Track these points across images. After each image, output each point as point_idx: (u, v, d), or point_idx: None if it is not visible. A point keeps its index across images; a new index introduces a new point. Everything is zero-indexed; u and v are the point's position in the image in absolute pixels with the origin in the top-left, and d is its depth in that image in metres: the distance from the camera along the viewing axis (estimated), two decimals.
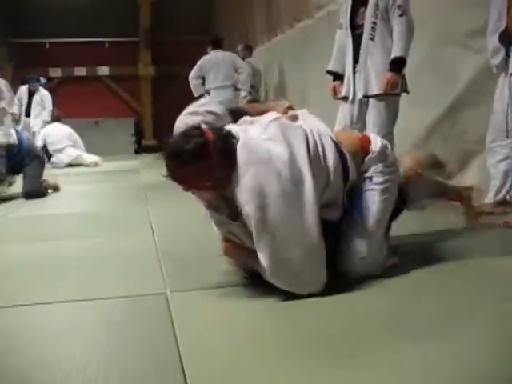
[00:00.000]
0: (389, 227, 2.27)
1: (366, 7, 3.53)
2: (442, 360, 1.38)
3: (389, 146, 2.26)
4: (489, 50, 3.19)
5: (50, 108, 9.13)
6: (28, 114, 9.15)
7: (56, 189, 5.31)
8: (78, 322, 1.82)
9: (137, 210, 4.09)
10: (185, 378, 1.35)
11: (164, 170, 1.95)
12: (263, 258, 1.87)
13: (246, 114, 2.21)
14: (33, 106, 9.14)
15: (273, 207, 1.82)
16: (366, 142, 2.22)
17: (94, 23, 11.87)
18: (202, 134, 1.90)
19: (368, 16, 3.51)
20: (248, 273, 2.11)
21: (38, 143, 8.76)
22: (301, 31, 6.85)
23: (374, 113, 3.57)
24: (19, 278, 2.38)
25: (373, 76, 3.55)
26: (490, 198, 3.27)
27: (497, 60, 3.13)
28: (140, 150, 12.23)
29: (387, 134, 3.47)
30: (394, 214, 2.29)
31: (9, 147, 4.77)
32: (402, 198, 2.32)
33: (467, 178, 3.72)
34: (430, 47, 3.99)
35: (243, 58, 7.32)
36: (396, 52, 3.43)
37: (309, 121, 2.17)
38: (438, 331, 1.58)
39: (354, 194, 2.15)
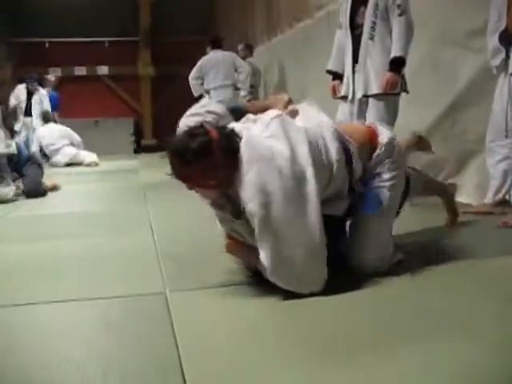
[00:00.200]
0: None
1: (365, 7, 3.53)
2: (442, 360, 1.38)
3: (396, 139, 2.25)
4: (488, 50, 3.18)
5: (49, 108, 9.15)
6: (27, 114, 9.15)
7: (54, 188, 5.34)
8: (78, 322, 1.82)
9: (136, 210, 4.09)
10: (184, 378, 1.35)
11: (167, 169, 1.95)
12: (264, 257, 1.87)
13: (247, 112, 2.21)
14: (33, 105, 9.14)
15: (275, 205, 1.82)
16: (374, 133, 2.22)
17: (94, 23, 11.86)
18: (206, 132, 1.90)
19: (368, 16, 3.51)
20: (252, 271, 2.11)
21: (34, 146, 8.81)
22: (301, 31, 6.85)
23: (374, 112, 3.57)
24: (19, 277, 2.38)
25: (372, 76, 3.55)
26: (489, 198, 3.27)
27: (497, 61, 3.13)
28: (139, 149, 12.22)
29: None
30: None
31: (10, 157, 5.02)
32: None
33: (466, 178, 3.73)
34: (429, 47, 3.99)
35: (244, 58, 7.32)
36: (395, 52, 3.42)
37: (309, 114, 2.17)
38: (439, 331, 1.58)
39: (361, 189, 2.14)
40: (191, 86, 6.83)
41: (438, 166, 3.90)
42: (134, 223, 3.60)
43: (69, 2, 12.07)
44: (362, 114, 3.65)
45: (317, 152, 1.97)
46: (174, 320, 1.75)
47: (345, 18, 3.69)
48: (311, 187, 1.88)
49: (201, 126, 1.94)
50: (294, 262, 1.85)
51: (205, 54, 6.99)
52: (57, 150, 8.72)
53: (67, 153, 8.73)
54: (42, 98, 9.21)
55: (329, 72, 3.87)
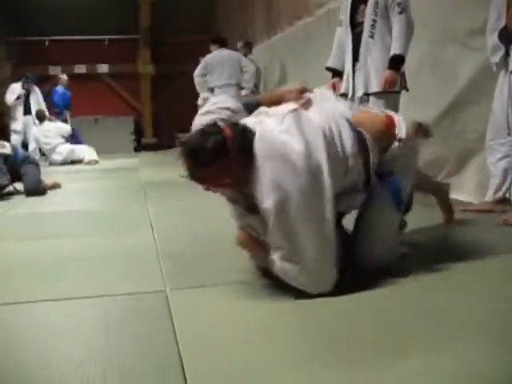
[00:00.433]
0: None
1: (365, 5, 3.53)
2: (442, 360, 1.38)
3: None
4: (488, 47, 3.19)
5: (43, 106, 9.20)
6: (26, 113, 9.15)
7: (54, 187, 5.35)
8: (78, 321, 1.82)
9: (136, 208, 4.09)
10: (185, 377, 1.35)
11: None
12: (276, 253, 1.87)
13: (260, 104, 2.17)
14: (32, 105, 9.15)
15: (290, 202, 1.80)
16: (391, 123, 2.18)
17: (94, 23, 11.86)
18: (220, 130, 1.87)
19: (368, 14, 3.51)
20: (260, 266, 2.10)
21: (31, 145, 8.83)
22: (301, 29, 6.85)
23: None
24: (19, 276, 2.37)
25: (373, 74, 3.55)
26: (489, 196, 3.28)
27: (496, 58, 3.13)
28: (139, 148, 12.23)
29: None
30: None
31: (5, 158, 5.00)
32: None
33: (466, 176, 3.73)
34: (429, 46, 3.98)
35: (244, 55, 7.31)
36: (395, 50, 3.42)
37: (324, 104, 2.12)
38: (439, 331, 1.58)
39: (375, 182, 2.12)
40: (196, 83, 6.82)
41: (438, 165, 3.90)
42: (134, 221, 3.60)
43: (69, 3, 12.07)
44: None
45: (332, 146, 1.93)
46: (174, 318, 1.74)
47: (345, 15, 3.69)
48: (326, 184, 1.85)
49: (214, 124, 1.92)
50: (305, 260, 1.83)
51: (207, 52, 6.98)
52: (53, 149, 8.72)
53: (62, 151, 8.73)
54: (38, 97, 9.24)
55: (328, 69, 3.86)
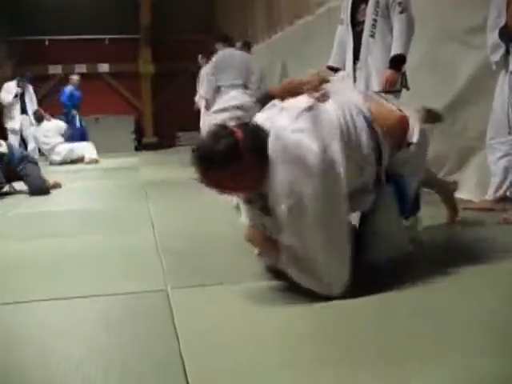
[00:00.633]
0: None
1: (366, 4, 3.52)
2: (442, 360, 1.38)
3: (426, 134, 2.18)
4: (488, 46, 3.18)
5: (37, 106, 9.22)
6: (23, 112, 9.15)
7: (55, 186, 5.35)
8: (78, 320, 1.82)
9: (137, 207, 4.09)
10: (186, 376, 1.35)
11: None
12: (287, 253, 1.85)
13: (273, 97, 2.12)
14: (28, 104, 9.17)
15: (304, 205, 1.78)
16: (406, 123, 2.13)
17: (94, 23, 11.85)
18: (231, 133, 1.83)
19: (369, 13, 3.50)
20: (273, 270, 2.08)
21: (31, 145, 8.83)
22: (301, 28, 6.84)
23: None
24: (19, 275, 2.37)
25: (373, 73, 3.55)
26: (490, 195, 3.27)
27: (496, 56, 3.12)
28: (140, 147, 12.22)
29: None
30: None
31: (0, 156, 4.98)
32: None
33: (467, 175, 3.72)
34: (429, 45, 3.97)
35: None
36: (396, 49, 3.41)
37: (341, 98, 2.06)
38: (441, 331, 1.57)
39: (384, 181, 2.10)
40: (207, 81, 6.82)
41: (439, 163, 3.89)
42: (135, 221, 3.60)
43: (69, 2, 12.05)
44: None
45: (349, 146, 1.89)
46: (175, 317, 1.74)
47: (346, 14, 3.68)
48: (341, 186, 1.82)
49: (224, 126, 1.88)
50: (318, 262, 1.82)
51: (208, 51, 6.99)
52: (52, 149, 8.72)
53: (61, 150, 8.72)
54: (32, 96, 9.28)
55: (329, 68, 3.86)
